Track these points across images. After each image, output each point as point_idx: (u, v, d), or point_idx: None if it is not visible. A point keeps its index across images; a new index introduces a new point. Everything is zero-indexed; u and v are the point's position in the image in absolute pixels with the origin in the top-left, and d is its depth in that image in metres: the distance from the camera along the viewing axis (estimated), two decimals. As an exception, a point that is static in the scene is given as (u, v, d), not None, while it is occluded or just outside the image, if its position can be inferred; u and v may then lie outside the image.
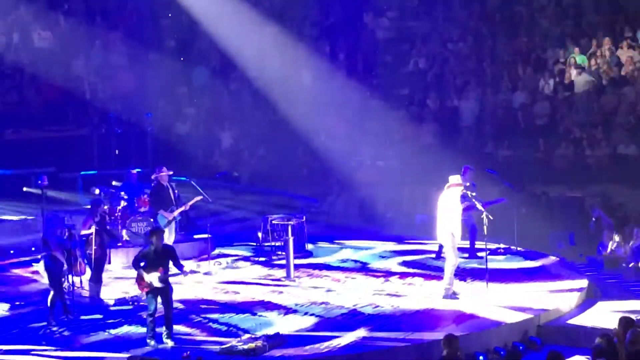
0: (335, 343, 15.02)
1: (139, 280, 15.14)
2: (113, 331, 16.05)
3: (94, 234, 17.56)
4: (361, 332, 15.52)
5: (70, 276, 17.07)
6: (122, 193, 21.99)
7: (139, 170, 23.20)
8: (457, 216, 17.39)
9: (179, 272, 15.59)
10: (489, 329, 15.80)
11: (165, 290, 15.14)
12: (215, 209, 23.41)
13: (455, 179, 17.45)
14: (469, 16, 30.31)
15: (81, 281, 17.87)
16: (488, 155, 26.67)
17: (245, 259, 21.63)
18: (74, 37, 29.37)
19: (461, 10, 30.61)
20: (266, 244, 21.65)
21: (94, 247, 17.54)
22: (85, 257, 17.63)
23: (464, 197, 17.81)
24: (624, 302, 17.57)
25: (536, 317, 16.42)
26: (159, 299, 15.11)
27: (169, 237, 19.80)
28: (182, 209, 20.14)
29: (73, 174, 26.57)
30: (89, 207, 18.67)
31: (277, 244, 21.32)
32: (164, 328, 15.10)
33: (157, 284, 15.04)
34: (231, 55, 28.91)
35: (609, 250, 21.33)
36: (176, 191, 20.39)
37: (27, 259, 21.10)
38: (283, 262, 19.78)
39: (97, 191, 22.13)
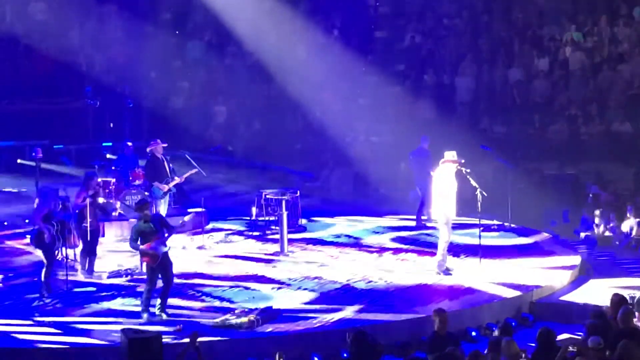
0: (328, 317, 15.08)
1: (144, 255, 15.10)
2: (106, 304, 16.07)
3: (88, 206, 17.51)
4: (354, 307, 15.60)
5: (64, 249, 17.08)
6: (114, 168, 21.97)
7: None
8: (451, 192, 17.39)
9: (169, 234, 15.45)
10: (481, 305, 15.86)
11: (166, 266, 15.13)
12: (210, 183, 23.38)
13: (450, 155, 17.44)
14: (465, -9, 30.24)
15: (75, 254, 17.87)
16: (483, 132, 26.66)
17: (239, 233, 21.63)
18: (69, 9, 29.23)
19: (457, -15, 30.54)
20: (260, 218, 21.64)
21: (89, 220, 17.49)
22: (78, 230, 17.58)
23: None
24: (616, 279, 17.62)
25: (529, 293, 16.47)
26: (159, 274, 15.09)
27: (163, 209, 19.79)
28: (178, 181, 20.11)
29: (67, 146, 26.52)
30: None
31: (271, 219, 21.31)
32: (158, 301, 15.12)
33: (162, 249, 15.01)
34: (226, 29, 28.79)
35: (599, 229, 21.34)
36: (170, 165, 20.34)
37: (20, 230, 21.06)
38: (277, 236, 19.80)
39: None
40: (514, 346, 11.83)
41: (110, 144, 26.32)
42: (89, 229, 17.47)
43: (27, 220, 20.90)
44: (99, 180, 19.97)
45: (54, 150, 25.65)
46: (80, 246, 17.76)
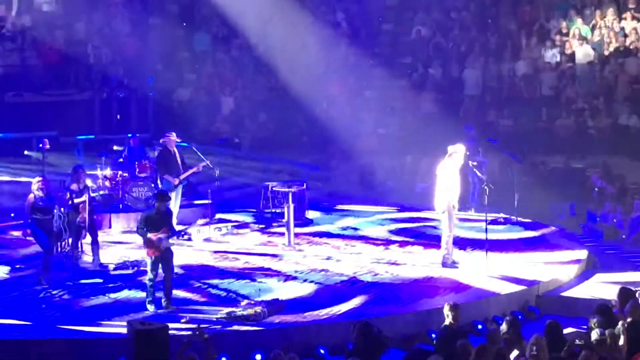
0: (334, 310, 15.10)
1: (148, 244, 15.09)
2: (113, 295, 16.09)
3: (87, 201, 17.38)
4: (360, 300, 15.63)
5: (70, 240, 17.08)
6: (120, 160, 22.00)
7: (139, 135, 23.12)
8: (455, 186, 17.38)
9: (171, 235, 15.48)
10: (487, 298, 15.86)
11: (167, 256, 15.16)
12: (216, 175, 23.38)
13: (453, 148, 17.42)
14: (473, -16, 30.19)
15: (81, 245, 17.87)
16: (490, 125, 26.65)
17: (246, 225, 21.64)
18: (76, 0, 29.24)
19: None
20: (266, 210, 21.65)
21: (85, 215, 17.34)
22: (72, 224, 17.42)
23: None
24: (623, 273, 17.61)
25: (535, 287, 16.47)
26: (160, 264, 15.13)
27: (175, 202, 19.82)
28: (190, 172, 20.11)
29: (74, 137, 26.49)
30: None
31: (277, 211, 21.32)
32: (163, 293, 15.14)
33: (166, 244, 15.04)
34: (233, 22, 28.78)
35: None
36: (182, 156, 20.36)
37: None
38: (283, 229, 19.80)
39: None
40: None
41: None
42: (86, 223, 17.37)
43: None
44: (107, 172, 20.02)
45: (60, 141, 25.62)
46: (88, 238, 17.72)
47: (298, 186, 21.32)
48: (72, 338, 14.05)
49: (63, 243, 17.46)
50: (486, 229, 17.85)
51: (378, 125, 27.80)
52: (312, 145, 27.74)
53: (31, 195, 16.52)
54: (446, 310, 12.88)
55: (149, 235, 15.01)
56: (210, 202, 20.64)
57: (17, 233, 20.48)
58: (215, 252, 19.16)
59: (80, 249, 17.75)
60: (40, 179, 16.77)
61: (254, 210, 22.32)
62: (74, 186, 17.41)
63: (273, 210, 21.47)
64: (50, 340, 13.99)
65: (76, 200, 17.21)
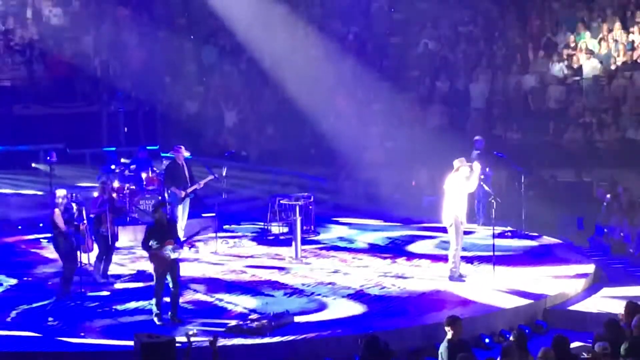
0: (341, 323, 15.09)
1: (153, 257, 15.11)
2: (120, 308, 16.10)
3: (108, 211, 17.52)
4: (367, 313, 15.63)
5: (78, 253, 17.10)
6: (127, 171, 22.04)
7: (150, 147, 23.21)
8: (462, 199, 17.37)
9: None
10: (495, 312, 15.84)
11: (173, 268, 15.17)
12: (223, 188, 23.38)
13: (459, 162, 17.42)
14: (480, -2, 30.24)
15: (89, 258, 17.89)
16: (497, 138, 26.63)
17: (253, 238, 21.65)
18: (85, 13, 29.34)
19: (472, -9, 30.53)
20: (274, 223, 21.65)
21: (108, 225, 17.50)
22: (94, 234, 17.59)
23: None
24: (630, 287, 17.57)
25: (542, 301, 16.45)
26: (167, 277, 15.13)
27: (182, 215, 19.88)
28: (196, 187, 20.18)
29: (81, 150, 26.57)
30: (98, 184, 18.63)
31: (284, 224, 21.32)
32: (170, 306, 15.15)
33: (173, 255, 15.06)
34: (241, 35, 28.84)
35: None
36: (191, 171, 20.40)
37: (38, 236, 21.11)
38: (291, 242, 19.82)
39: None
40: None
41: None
42: (108, 233, 17.49)
43: (41, 224, 20.97)
44: (115, 184, 20.08)
45: (68, 154, 25.69)
46: (96, 250, 17.79)
47: (305, 199, 21.33)
48: (79, 351, 14.05)
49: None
50: (493, 242, 17.85)
51: (385, 139, 27.80)
52: (319, 158, 27.76)
53: (57, 209, 16.56)
54: (445, 325, 12.84)
55: (154, 249, 15.02)
56: (214, 214, 20.64)
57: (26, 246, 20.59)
58: (222, 264, 19.17)
59: (88, 262, 17.78)
60: (65, 191, 16.93)
61: (261, 223, 22.32)
62: (95, 193, 17.71)
63: (280, 223, 21.49)
64: (57, 353, 13.98)
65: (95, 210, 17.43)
